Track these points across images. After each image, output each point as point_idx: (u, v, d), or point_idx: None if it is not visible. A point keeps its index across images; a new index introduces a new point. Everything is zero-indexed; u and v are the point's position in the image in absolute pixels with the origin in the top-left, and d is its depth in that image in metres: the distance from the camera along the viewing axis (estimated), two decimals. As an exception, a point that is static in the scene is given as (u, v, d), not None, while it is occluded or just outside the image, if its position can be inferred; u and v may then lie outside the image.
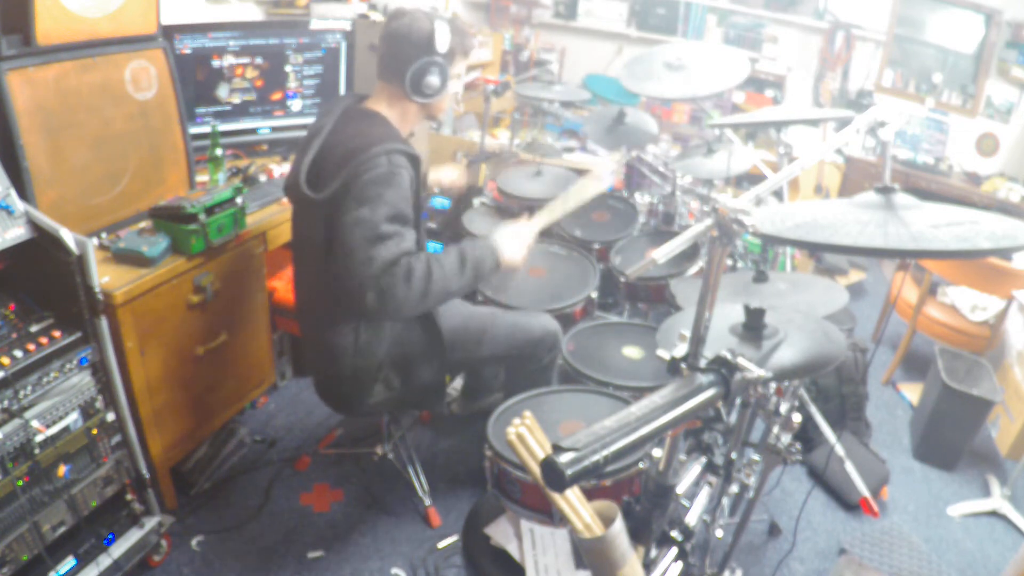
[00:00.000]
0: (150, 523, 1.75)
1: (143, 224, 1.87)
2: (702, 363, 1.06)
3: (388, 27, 1.63)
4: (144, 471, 1.71)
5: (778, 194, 2.23)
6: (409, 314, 1.58)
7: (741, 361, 1.02)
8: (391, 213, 1.51)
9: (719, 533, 1.60)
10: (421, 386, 1.81)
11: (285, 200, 2.03)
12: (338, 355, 1.70)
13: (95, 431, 1.56)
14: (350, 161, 1.51)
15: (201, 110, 2.38)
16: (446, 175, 2.17)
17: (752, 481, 1.50)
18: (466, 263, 1.62)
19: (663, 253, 1.11)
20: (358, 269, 1.49)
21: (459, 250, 1.63)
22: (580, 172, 2.76)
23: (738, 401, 1.46)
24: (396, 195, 1.52)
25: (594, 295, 2.29)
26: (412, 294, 1.52)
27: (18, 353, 1.38)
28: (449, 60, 1.65)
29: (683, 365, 1.12)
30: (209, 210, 1.81)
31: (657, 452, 1.32)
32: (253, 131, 2.55)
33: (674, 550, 1.43)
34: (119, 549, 1.66)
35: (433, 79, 1.63)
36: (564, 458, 0.79)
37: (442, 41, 1.60)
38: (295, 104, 2.61)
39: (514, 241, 1.73)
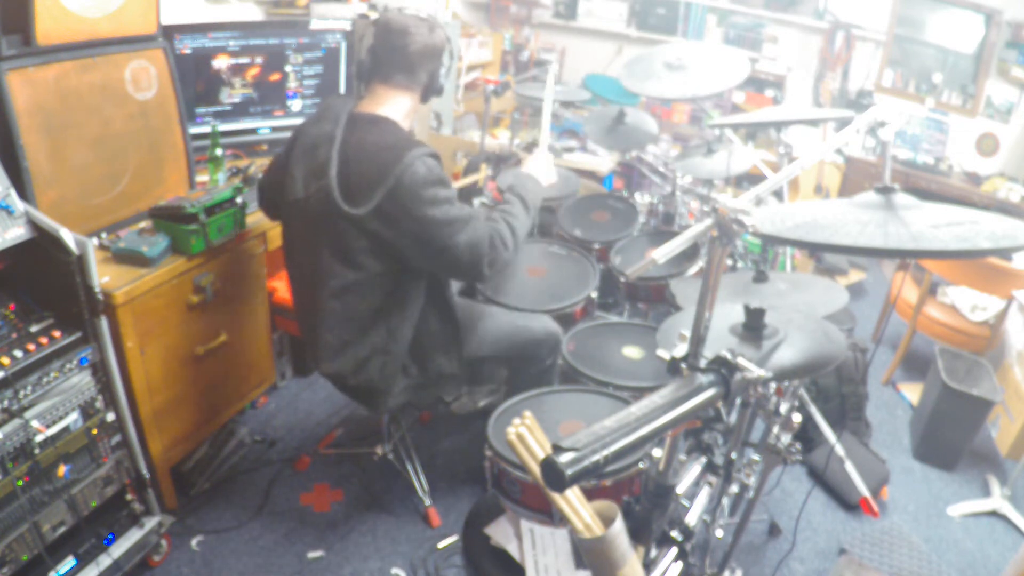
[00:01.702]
0: (150, 523, 1.75)
1: (143, 224, 1.87)
2: (702, 363, 1.06)
3: (410, 35, 1.64)
4: (144, 471, 1.71)
5: (778, 194, 2.23)
6: (509, 265, 1.91)
7: (741, 361, 1.02)
8: (455, 201, 1.64)
9: (719, 533, 1.60)
10: (438, 374, 1.83)
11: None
12: (371, 357, 1.72)
13: (95, 431, 1.56)
14: (386, 175, 1.54)
15: (201, 110, 2.38)
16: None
17: (752, 481, 1.50)
18: (526, 204, 1.87)
19: (663, 253, 1.10)
20: (467, 255, 1.64)
21: (517, 196, 1.87)
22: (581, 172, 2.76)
23: (738, 401, 1.46)
24: (447, 188, 1.64)
25: (594, 295, 2.28)
26: (510, 252, 1.74)
27: (18, 353, 1.38)
28: None
29: (683, 365, 1.12)
30: (209, 210, 1.81)
31: (657, 452, 1.31)
32: (253, 131, 2.55)
33: (674, 550, 1.43)
34: (119, 549, 1.66)
35: (445, 81, 1.77)
36: (564, 458, 0.79)
37: (450, 49, 1.75)
38: (295, 104, 2.61)
39: (540, 167, 2.04)
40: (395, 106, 1.68)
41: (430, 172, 1.58)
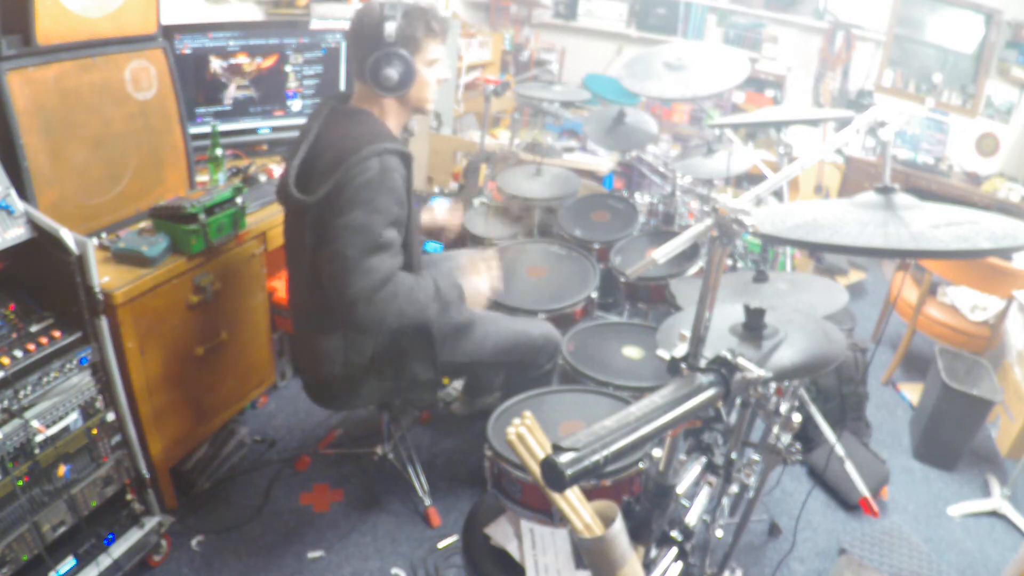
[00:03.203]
0: (150, 523, 1.75)
1: (143, 224, 1.87)
2: (702, 363, 1.06)
3: (356, 19, 1.60)
4: (144, 471, 1.71)
5: (778, 194, 2.23)
6: (380, 328, 1.65)
7: (741, 361, 1.02)
8: (389, 220, 1.53)
9: (719, 533, 1.60)
10: (413, 380, 1.81)
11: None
12: (329, 357, 1.70)
13: (95, 431, 1.56)
14: (340, 164, 1.48)
15: (201, 110, 2.38)
16: (439, 211, 2.17)
17: (752, 481, 1.50)
18: (439, 293, 1.65)
19: (663, 253, 1.10)
20: (355, 279, 1.51)
21: (434, 280, 1.66)
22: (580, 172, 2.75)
23: (738, 401, 1.46)
24: (390, 199, 1.52)
25: (594, 295, 2.28)
26: (392, 311, 1.56)
27: (18, 353, 1.38)
28: (411, 48, 1.56)
29: (683, 365, 1.12)
30: (209, 210, 1.81)
31: (657, 452, 1.32)
32: (253, 131, 2.55)
33: (674, 550, 1.43)
34: (119, 549, 1.66)
35: (390, 71, 1.55)
36: (564, 458, 0.79)
37: (390, 29, 1.52)
38: (295, 104, 2.61)
39: (477, 286, 1.77)
40: (368, 101, 1.63)
41: (381, 173, 1.49)
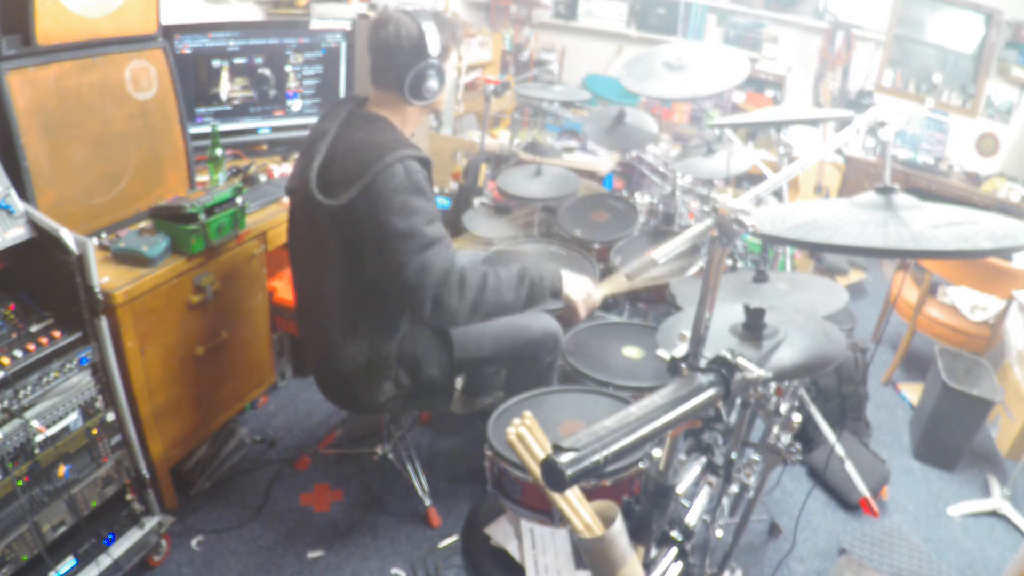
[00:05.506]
0: (150, 523, 1.75)
1: (143, 224, 1.87)
2: (702, 363, 1.06)
3: (376, 36, 1.60)
4: (144, 471, 1.71)
5: (778, 194, 2.23)
6: (463, 323, 1.64)
7: (741, 361, 1.02)
8: (428, 218, 1.55)
9: (719, 533, 1.60)
10: (429, 384, 1.82)
11: (285, 200, 2.03)
12: (351, 355, 1.70)
13: (95, 431, 1.56)
14: (364, 171, 1.51)
15: (201, 110, 2.38)
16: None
17: (752, 481, 1.50)
18: (524, 279, 1.66)
19: (663, 253, 1.10)
20: (413, 279, 1.54)
21: (521, 266, 1.69)
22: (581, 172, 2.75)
23: (738, 401, 1.46)
24: (423, 199, 1.55)
25: (594, 295, 2.28)
26: (464, 304, 1.58)
27: (18, 353, 1.38)
28: (444, 59, 1.64)
29: (683, 365, 1.11)
30: (209, 210, 1.81)
31: (657, 452, 1.31)
32: (253, 131, 2.55)
33: (674, 550, 1.43)
34: (119, 549, 1.67)
35: (432, 83, 1.63)
36: (564, 458, 0.79)
37: (433, 44, 1.59)
38: (295, 104, 2.61)
39: (578, 283, 1.79)
40: (389, 108, 1.66)
41: (408, 177, 1.52)
